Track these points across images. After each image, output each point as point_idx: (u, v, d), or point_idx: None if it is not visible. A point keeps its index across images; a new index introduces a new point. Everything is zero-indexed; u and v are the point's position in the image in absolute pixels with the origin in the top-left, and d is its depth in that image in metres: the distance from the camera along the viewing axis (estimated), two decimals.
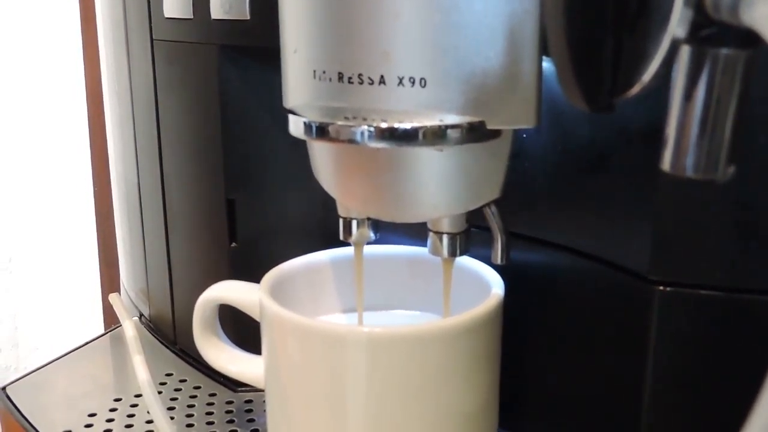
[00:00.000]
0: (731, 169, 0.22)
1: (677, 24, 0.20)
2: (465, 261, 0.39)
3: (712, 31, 0.20)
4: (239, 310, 0.39)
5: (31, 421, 0.45)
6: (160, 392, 0.46)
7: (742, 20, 0.19)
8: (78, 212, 1.11)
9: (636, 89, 0.22)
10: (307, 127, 0.31)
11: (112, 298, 0.59)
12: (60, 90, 1.09)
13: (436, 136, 0.29)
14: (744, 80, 0.21)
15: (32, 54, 1.11)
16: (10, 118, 1.13)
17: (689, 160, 0.22)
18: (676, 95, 0.21)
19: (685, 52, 0.21)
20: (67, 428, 0.44)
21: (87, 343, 0.55)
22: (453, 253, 0.35)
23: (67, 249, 1.15)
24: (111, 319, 0.58)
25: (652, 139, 0.23)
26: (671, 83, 0.22)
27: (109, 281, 1.03)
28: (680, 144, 0.22)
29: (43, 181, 1.14)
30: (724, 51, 0.21)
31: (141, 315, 0.57)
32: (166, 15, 0.44)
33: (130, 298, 0.60)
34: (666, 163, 0.22)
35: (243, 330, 0.41)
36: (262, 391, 0.39)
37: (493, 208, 0.34)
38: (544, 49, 0.28)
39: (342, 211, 0.38)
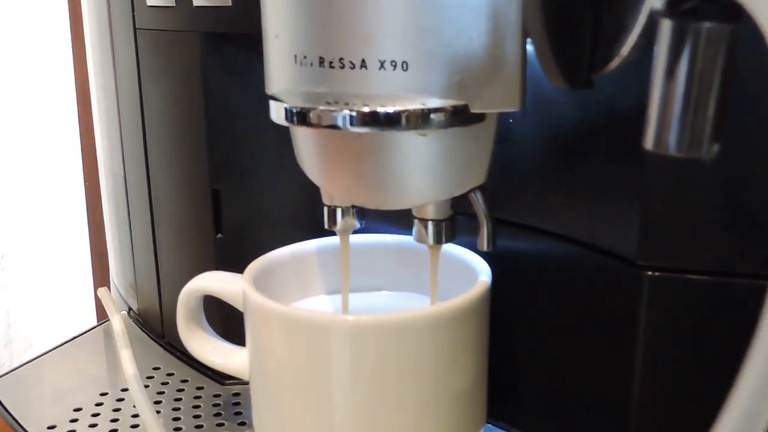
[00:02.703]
0: (715, 148, 0.22)
1: None
2: (452, 248, 0.38)
3: (693, 5, 0.20)
4: (226, 303, 0.39)
5: (15, 416, 0.44)
6: (147, 386, 0.46)
7: None
8: (69, 208, 1.10)
9: (615, 63, 0.22)
10: (288, 112, 0.31)
11: (101, 292, 0.59)
12: (49, 86, 1.09)
13: (419, 119, 0.29)
14: (728, 55, 0.21)
15: (21, 50, 1.10)
16: (0, 114, 1.12)
17: (672, 138, 0.21)
18: (658, 71, 0.21)
19: (666, 26, 0.20)
20: (52, 423, 0.43)
21: (76, 338, 0.54)
22: (438, 241, 0.35)
23: (59, 245, 1.14)
24: (103, 315, 0.58)
25: (640, 124, 0.22)
26: (654, 59, 0.21)
27: (101, 276, 1.03)
28: (663, 121, 0.21)
29: (34, 178, 1.14)
30: (706, 25, 0.20)
31: (129, 309, 0.57)
32: (149, 3, 0.43)
33: (119, 293, 0.59)
34: (649, 141, 0.22)
35: (231, 323, 0.40)
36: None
37: (478, 193, 0.33)
38: (527, 31, 0.28)
39: (326, 199, 0.37)
